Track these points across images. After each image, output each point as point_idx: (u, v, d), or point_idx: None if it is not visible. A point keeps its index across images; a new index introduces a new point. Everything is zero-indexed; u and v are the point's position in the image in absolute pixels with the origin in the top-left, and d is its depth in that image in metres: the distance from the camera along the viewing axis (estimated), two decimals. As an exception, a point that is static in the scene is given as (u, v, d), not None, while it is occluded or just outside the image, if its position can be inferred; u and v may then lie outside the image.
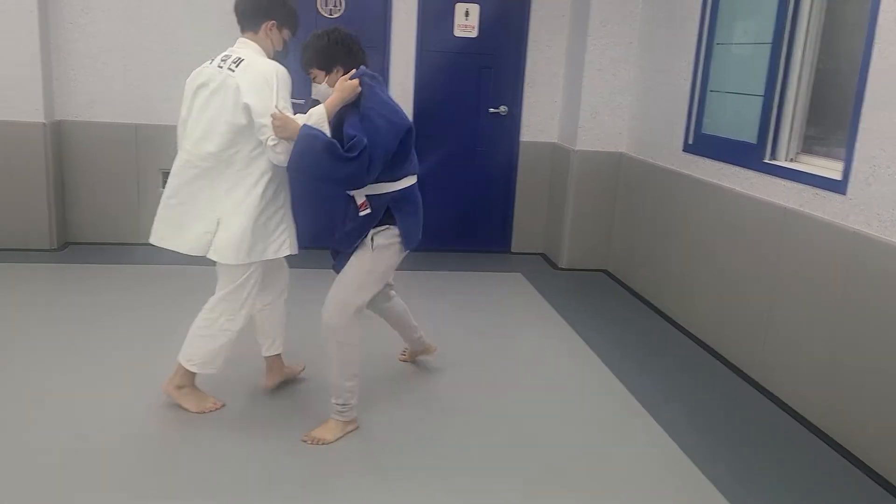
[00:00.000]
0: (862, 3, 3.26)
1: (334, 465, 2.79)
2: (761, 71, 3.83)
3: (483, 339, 4.12)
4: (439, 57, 5.61)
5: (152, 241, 2.96)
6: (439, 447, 2.92)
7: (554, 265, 5.71)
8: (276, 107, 2.67)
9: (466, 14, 5.58)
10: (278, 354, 3.24)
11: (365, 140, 2.61)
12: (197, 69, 2.92)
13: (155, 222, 2.96)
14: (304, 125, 2.65)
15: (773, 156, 3.81)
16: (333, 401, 2.93)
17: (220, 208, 2.81)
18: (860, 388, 3.03)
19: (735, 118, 4.15)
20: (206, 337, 2.95)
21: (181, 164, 2.88)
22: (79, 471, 2.62)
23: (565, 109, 5.72)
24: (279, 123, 2.65)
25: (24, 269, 4.79)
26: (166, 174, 5.36)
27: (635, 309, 4.83)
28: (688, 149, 4.56)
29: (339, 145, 2.62)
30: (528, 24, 5.65)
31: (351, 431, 2.97)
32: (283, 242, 2.93)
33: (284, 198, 2.94)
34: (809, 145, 3.72)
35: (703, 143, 4.43)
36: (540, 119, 5.84)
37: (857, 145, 3.13)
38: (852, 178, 3.17)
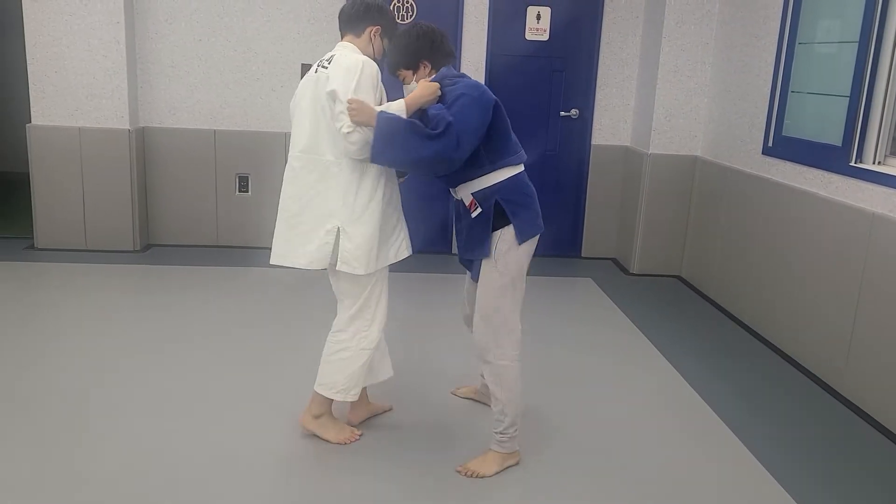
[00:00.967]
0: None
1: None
2: (847, 71, 3.69)
3: (553, 345, 4.08)
4: (510, 60, 5.60)
5: (272, 260, 2.81)
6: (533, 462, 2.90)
7: (625, 270, 5.62)
8: (352, 93, 2.56)
9: (538, 17, 5.55)
10: (364, 389, 3.03)
11: (449, 117, 2.47)
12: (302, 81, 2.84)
13: (273, 240, 2.83)
14: (381, 111, 2.53)
15: (860, 159, 3.65)
16: (493, 430, 2.74)
17: (339, 216, 2.67)
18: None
19: (818, 120, 4.00)
20: (344, 360, 2.81)
21: (291, 174, 2.75)
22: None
23: (638, 112, 5.62)
24: (355, 106, 2.50)
25: (110, 270, 5.00)
26: (243, 178, 5.59)
27: (710, 316, 4.71)
28: (767, 152, 4.42)
29: (422, 124, 2.49)
30: (600, 26, 5.59)
31: (511, 466, 2.77)
32: (401, 244, 2.84)
33: (397, 198, 2.84)
34: (899, 148, 3.56)
35: (783, 146, 4.28)
36: (612, 122, 5.76)
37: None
38: (947, 183, 3.01)
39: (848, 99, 3.68)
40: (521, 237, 2.63)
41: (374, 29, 2.77)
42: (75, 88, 5.20)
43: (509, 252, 2.64)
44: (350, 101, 2.52)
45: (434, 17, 5.46)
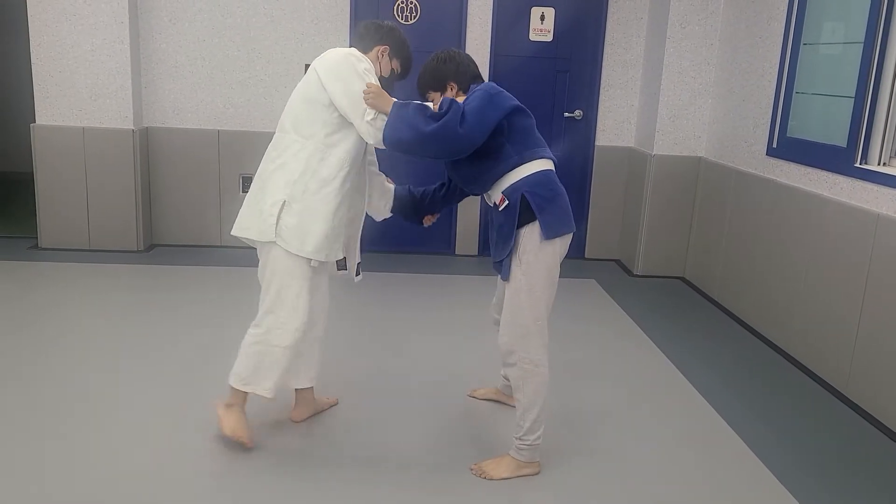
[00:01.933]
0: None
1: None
2: (852, 71, 3.67)
3: (556, 347, 4.06)
4: (514, 61, 5.59)
5: (232, 231, 2.81)
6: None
7: (628, 272, 5.61)
8: (364, 79, 2.62)
9: (542, 18, 5.55)
10: (310, 388, 3.06)
11: (455, 101, 2.53)
12: None
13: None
14: (396, 100, 2.59)
15: (865, 160, 3.64)
16: (513, 434, 2.73)
17: (288, 192, 2.67)
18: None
19: (823, 121, 3.99)
20: (255, 354, 2.79)
21: (266, 153, 2.80)
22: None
23: (642, 113, 5.62)
24: (374, 91, 2.57)
25: (113, 270, 5.00)
26: (247, 179, 5.59)
27: (714, 317, 4.69)
28: (771, 153, 4.41)
29: (430, 108, 2.56)
30: (604, 27, 5.58)
31: (528, 475, 2.72)
32: (338, 249, 2.83)
33: (359, 211, 2.89)
34: (904, 149, 3.55)
35: (788, 147, 4.27)
36: (616, 123, 5.75)
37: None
38: (952, 184, 3.00)
39: (853, 100, 3.66)
40: (547, 232, 2.59)
41: (383, 48, 2.83)
42: (79, 88, 5.21)
43: (534, 252, 2.61)
44: (369, 86, 2.59)
45: (438, 18, 5.46)
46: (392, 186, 3.08)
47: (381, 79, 2.78)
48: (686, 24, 5.16)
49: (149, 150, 5.52)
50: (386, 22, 2.87)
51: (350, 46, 2.86)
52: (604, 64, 5.64)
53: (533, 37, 5.58)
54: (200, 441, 2.88)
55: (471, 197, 3.07)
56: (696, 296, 5.12)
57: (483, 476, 2.70)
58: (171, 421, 3.03)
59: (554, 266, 2.66)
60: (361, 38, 2.85)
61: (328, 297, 3.00)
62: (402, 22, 5.45)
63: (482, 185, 2.73)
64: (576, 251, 5.93)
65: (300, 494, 2.58)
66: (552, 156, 2.72)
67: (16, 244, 5.46)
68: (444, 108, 2.53)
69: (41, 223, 5.38)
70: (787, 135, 4.29)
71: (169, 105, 5.49)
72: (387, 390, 3.40)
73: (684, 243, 5.45)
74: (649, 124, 5.43)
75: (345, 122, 2.67)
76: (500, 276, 2.82)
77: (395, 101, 2.59)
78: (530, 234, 2.61)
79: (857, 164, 3.64)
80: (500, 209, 2.65)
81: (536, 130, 2.69)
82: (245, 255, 5.45)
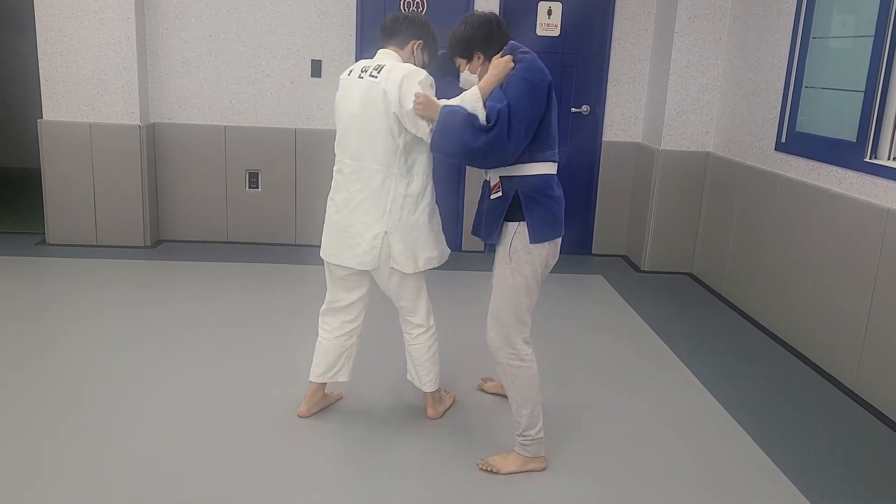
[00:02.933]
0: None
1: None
2: (862, 65, 3.64)
3: (563, 343, 4.05)
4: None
5: (322, 255, 2.93)
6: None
7: (636, 267, 5.59)
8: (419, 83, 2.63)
9: (549, 13, 5.52)
10: (324, 384, 3.11)
11: (499, 106, 2.46)
12: (342, 82, 2.84)
13: (323, 237, 2.93)
14: (444, 105, 2.57)
15: (875, 154, 3.61)
16: (515, 433, 2.74)
17: (386, 223, 2.75)
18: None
19: (832, 115, 3.96)
20: (436, 354, 3.05)
21: (342, 179, 2.82)
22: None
23: (650, 108, 5.59)
24: (421, 101, 2.56)
25: (120, 266, 5.01)
26: (252, 174, 5.59)
27: (722, 313, 4.67)
28: (780, 147, 4.38)
29: (477, 117, 2.50)
30: (612, 22, 5.55)
31: (535, 470, 2.73)
32: (444, 249, 2.97)
33: (435, 206, 2.95)
34: (915, 143, 3.52)
35: (797, 142, 4.24)
36: (623, 118, 5.73)
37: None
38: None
39: (863, 94, 3.63)
40: (533, 236, 2.59)
41: (417, 43, 2.83)
42: (86, 84, 5.21)
43: (523, 252, 2.61)
44: (417, 96, 2.58)
45: (444, 12, 5.44)
46: None
47: None
48: (694, 17, 5.12)
49: (155, 145, 5.52)
50: (414, 14, 2.87)
51: (382, 41, 2.83)
52: (611, 59, 5.61)
53: (540, 31, 5.56)
54: (203, 435, 2.89)
55: (478, 192, 3.05)
56: (704, 292, 5.09)
57: (491, 471, 2.70)
58: (178, 414, 3.03)
59: (540, 267, 2.66)
60: (393, 33, 2.82)
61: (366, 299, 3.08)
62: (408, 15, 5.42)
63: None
64: (583, 247, 5.92)
65: (309, 488, 2.57)
66: (556, 157, 2.67)
67: (23, 240, 5.48)
68: (493, 119, 2.46)
69: (48, 219, 5.40)
70: (796, 129, 4.26)
71: (175, 101, 5.49)
72: (392, 384, 3.40)
73: (692, 239, 5.43)
74: (657, 119, 5.40)
75: (413, 139, 2.70)
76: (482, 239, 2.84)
77: (441, 108, 2.55)
78: (520, 234, 2.61)
79: (867, 159, 3.61)
80: (491, 196, 2.67)
81: (555, 120, 2.64)
82: (251, 251, 5.46)
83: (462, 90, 2.69)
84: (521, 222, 2.60)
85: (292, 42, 5.45)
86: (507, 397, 3.27)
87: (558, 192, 2.66)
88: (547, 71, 2.60)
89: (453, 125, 2.51)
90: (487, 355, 3.65)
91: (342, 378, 3.07)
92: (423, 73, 2.70)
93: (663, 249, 5.46)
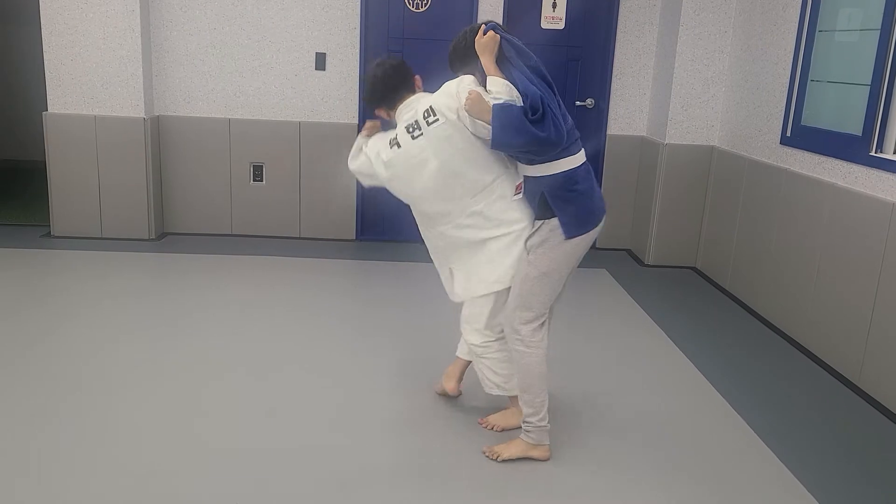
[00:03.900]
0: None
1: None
2: (868, 59, 3.63)
3: (567, 336, 4.05)
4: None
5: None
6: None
7: (640, 261, 5.58)
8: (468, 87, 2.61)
9: (554, 5, 5.50)
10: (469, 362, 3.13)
11: (530, 94, 2.49)
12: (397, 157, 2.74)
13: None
14: (495, 103, 2.52)
15: (880, 148, 3.60)
16: (522, 419, 2.77)
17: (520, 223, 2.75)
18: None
19: (838, 109, 3.95)
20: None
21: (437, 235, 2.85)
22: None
23: (655, 102, 5.57)
24: (473, 97, 2.52)
25: (125, 258, 5.02)
26: (257, 167, 5.60)
27: (726, 308, 4.67)
28: (785, 141, 4.37)
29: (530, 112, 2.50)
30: (616, 15, 5.53)
31: (538, 458, 2.75)
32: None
33: None
34: (921, 137, 3.51)
35: (802, 136, 4.23)
36: (628, 112, 5.71)
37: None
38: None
39: (868, 88, 3.62)
40: (567, 232, 2.62)
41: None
42: (91, 76, 5.22)
43: (543, 245, 2.64)
44: (470, 93, 2.54)
45: (449, 6, 5.43)
46: None
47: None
48: (700, 11, 5.10)
49: (160, 138, 5.53)
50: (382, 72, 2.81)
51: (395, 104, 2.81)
52: (616, 52, 5.59)
53: (545, 24, 5.54)
54: (205, 426, 2.90)
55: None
56: (708, 286, 5.09)
57: (494, 457, 2.75)
58: (183, 405, 3.04)
59: (564, 263, 2.67)
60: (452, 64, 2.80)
61: None
62: (413, 10, 5.43)
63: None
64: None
65: (310, 481, 2.59)
66: (578, 149, 2.64)
67: (28, 232, 5.49)
68: (535, 106, 2.46)
69: (53, 211, 5.41)
70: (802, 123, 4.24)
71: (180, 93, 5.49)
72: (396, 378, 3.40)
73: (696, 233, 5.42)
74: (662, 113, 5.39)
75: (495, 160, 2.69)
76: None
77: (493, 105, 2.51)
78: (542, 230, 2.64)
79: (872, 153, 3.60)
80: (513, 196, 2.71)
81: (561, 108, 2.61)
82: (255, 244, 5.47)
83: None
84: (545, 220, 2.64)
85: (297, 35, 5.44)
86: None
87: (584, 184, 2.64)
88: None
89: (512, 117, 2.48)
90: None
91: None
92: (468, 78, 2.67)
93: (667, 243, 5.45)
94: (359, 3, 5.39)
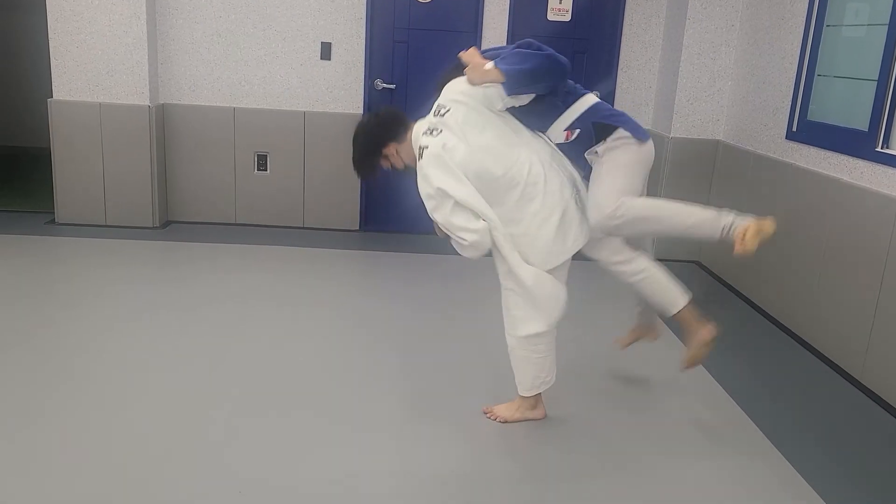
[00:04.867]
0: None
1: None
2: (876, 54, 3.61)
3: (568, 330, 4.04)
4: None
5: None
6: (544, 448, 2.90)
7: (644, 255, 5.57)
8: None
9: (560, -3, 5.49)
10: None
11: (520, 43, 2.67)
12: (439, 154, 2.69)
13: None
14: (492, 61, 2.61)
15: (887, 144, 3.58)
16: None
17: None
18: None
19: (845, 104, 3.93)
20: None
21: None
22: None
23: (660, 95, 5.56)
24: (471, 67, 2.63)
25: (129, 246, 5.03)
26: (261, 157, 5.59)
27: (730, 302, 4.66)
28: (791, 136, 4.35)
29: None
30: (623, 7, 5.51)
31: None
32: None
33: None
34: (928, 133, 3.49)
35: (808, 131, 4.22)
36: (634, 105, 5.69)
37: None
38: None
39: (876, 83, 3.60)
40: (636, 134, 2.70)
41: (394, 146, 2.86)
42: (96, 63, 5.21)
43: (618, 147, 2.69)
44: (466, 71, 2.64)
45: (451, 6, 5.41)
46: None
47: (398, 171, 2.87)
48: (707, 4, 5.08)
49: (165, 126, 5.53)
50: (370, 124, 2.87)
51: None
52: (622, 45, 5.58)
53: (551, 16, 5.52)
54: (209, 416, 2.91)
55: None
56: (712, 280, 5.08)
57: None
58: (188, 392, 3.05)
59: (640, 160, 2.73)
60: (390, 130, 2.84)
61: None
62: (419, 0, 5.40)
63: (541, 125, 2.80)
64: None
65: (323, 473, 2.60)
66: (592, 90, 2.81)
67: (33, 219, 5.50)
68: (530, 43, 2.64)
69: (58, 199, 5.42)
70: (808, 118, 4.23)
71: (185, 82, 5.49)
72: (400, 372, 3.41)
73: (700, 227, 5.40)
74: (667, 106, 5.38)
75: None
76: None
77: (495, 61, 2.59)
78: (610, 141, 2.70)
79: (879, 149, 3.59)
80: (569, 141, 2.74)
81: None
82: (259, 233, 5.47)
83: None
84: (608, 137, 2.70)
85: (302, 24, 5.43)
86: (645, 338, 3.42)
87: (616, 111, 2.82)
88: None
89: (514, 56, 2.59)
90: (496, 343, 3.66)
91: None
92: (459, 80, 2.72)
93: (671, 238, 5.43)
94: (364, -8, 5.38)
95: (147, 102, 5.29)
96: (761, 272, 4.54)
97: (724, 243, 2.68)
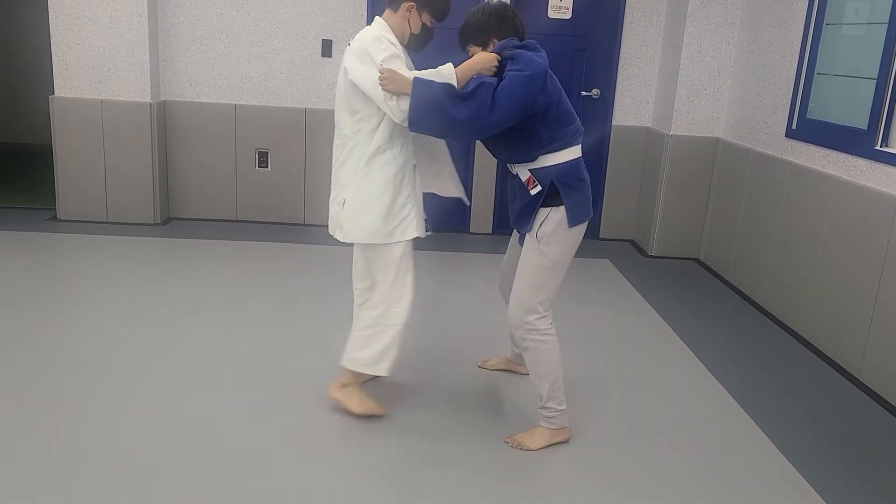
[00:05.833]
0: None
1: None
2: (875, 52, 3.62)
3: (569, 327, 4.07)
4: (532, 39, 5.53)
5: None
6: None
7: (643, 252, 5.59)
8: (380, 63, 2.55)
9: (561, -5, 5.49)
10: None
11: (485, 80, 2.47)
12: None
13: None
14: (416, 77, 2.50)
15: (886, 142, 3.60)
16: (538, 406, 2.79)
17: (350, 188, 2.76)
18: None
19: (844, 102, 3.94)
20: (372, 336, 2.85)
21: (334, 151, 2.85)
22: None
23: (661, 93, 5.57)
24: (386, 76, 2.49)
25: (130, 242, 5.04)
26: (262, 154, 5.60)
27: (729, 300, 4.68)
28: (791, 134, 4.37)
29: (455, 87, 2.49)
30: (623, 5, 5.52)
31: (561, 442, 2.81)
32: (410, 224, 2.80)
33: (411, 178, 2.82)
34: (926, 132, 3.51)
35: (807, 129, 4.23)
36: (634, 103, 5.71)
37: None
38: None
39: (875, 81, 3.61)
40: (572, 220, 2.65)
41: (409, 5, 2.74)
42: (97, 60, 5.22)
43: (554, 234, 2.65)
44: (381, 71, 2.53)
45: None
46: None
47: (413, 36, 2.76)
48: (707, 2, 5.09)
49: (166, 123, 5.54)
50: None
51: (385, 9, 2.79)
52: (622, 42, 5.58)
53: (552, 14, 5.53)
54: (215, 410, 2.92)
55: (486, 174, 3.07)
56: (711, 277, 5.10)
57: (520, 447, 2.77)
58: (189, 389, 3.07)
59: (571, 251, 2.72)
60: None
61: None
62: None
63: (510, 158, 2.73)
64: (590, 231, 5.88)
65: (326, 470, 2.61)
66: (580, 138, 2.72)
67: (34, 216, 5.52)
68: (472, 87, 2.46)
69: (59, 195, 5.43)
70: (808, 116, 4.24)
71: (186, 79, 5.50)
72: (402, 366, 3.42)
73: (700, 225, 5.43)
74: (667, 104, 5.39)
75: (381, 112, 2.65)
76: (517, 242, 2.91)
77: (413, 79, 2.49)
78: (550, 219, 2.65)
79: (878, 147, 3.60)
80: (531, 192, 2.66)
81: (567, 102, 2.67)
82: (260, 230, 5.49)
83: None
84: (553, 207, 2.64)
85: (303, 21, 5.44)
86: (509, 371, 3.37)
87: (586, 174, 2.72)
88: (544, 58, 2.60)
89: (431, 96, 2.46)
90: (491, 337, 3.69)
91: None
92: (384, 43, 2.61)
93: (671, 235, 5.46)
94: (366, -11, 5.39)
95: (148, 99, 5.30)
96: (760, 270, 4.55)
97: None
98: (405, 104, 2.51)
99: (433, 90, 2.47)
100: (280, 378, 3.23)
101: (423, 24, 2.79)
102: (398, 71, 2.53)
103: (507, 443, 2.79)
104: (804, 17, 4.27)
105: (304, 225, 5.70)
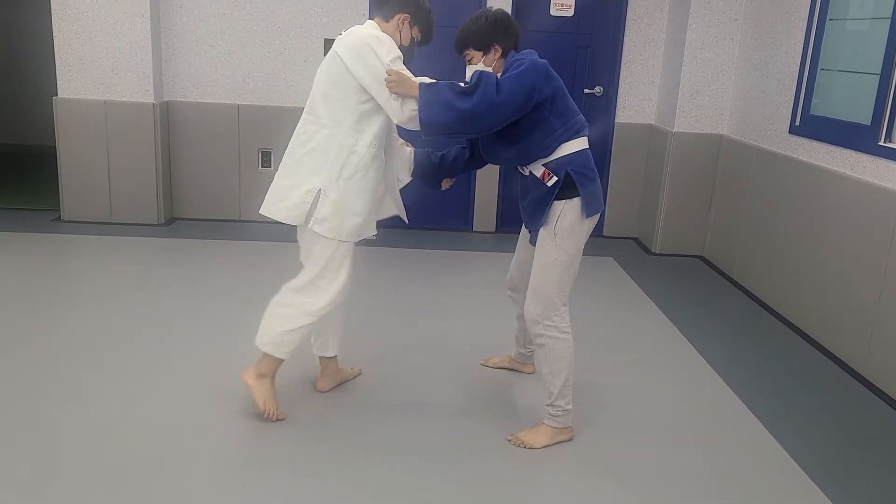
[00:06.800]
0: None
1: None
2: (879, 48, 3.61)
3: (575, 324, 4.06)
4: (534, 36, 5.52)
5: (260, 210, 2.85)
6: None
7: (647, 250, 5.58)
8: (387, 64, 2.57)
9: (563, -8, 5.48)
10: (334, 357, 3.11)
11: (485, 71, 2.55)
12: None
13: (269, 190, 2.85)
14: (422, 82, 2.55)
15: (889, 138, 3.58)
16: (546, 404, 2.78)
17: (322, 179, 2.69)
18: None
19: (848, 98, 3.93)
20: (284, 317, 2.80)
21: (296, 130, 2.82)
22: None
23: (664, 90, 5.56)
24: (395, 78, 2.52)
25: (134, 243, 5.05)
26: (265, 154, 5.61)
27: (733, 297, 4.67)
28: (794, 131, 4.35)
29: (458, 84, 2.54)
30: (626, 2, 5.51)
31: (564, 441, 2.80)
32: (374, 223, 2.85)
33: (385, 177, 2.86)
34: (930, 127, 3.49)
35: (811, 125, 4.21)
36: (637, 100, 5.70)
37: None
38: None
39: (878, 77, 3.60)
40: (588, 210, 2.65)
41: (403, 17, 2.75)
42: (101, 61, 5.23)
43: (571, 228, 2.66)
44: (389, 73, 2.55)
45: (454, 4, 5.41)
46: (410, 150, 3.04)
47: (401, 48, 2.73)
48: (710, -1, 5.08)
49: (169, 123, 5.55)
50: None
51: (370, 15, 2.80)
52: (625, 39, 5.58)
53: (554, 11, 5.53)
54: (218, 412, 2.93)
55: (489, 173, 3.07)
56: (715, 275, 5.09)
57: (523, 446, 2.76)
58: (192, 390, 3.08)
59: (584, 242, 2.73)
60: (381, 3, 2.78)
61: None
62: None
63: (525, 160, 2.72)
64: (594, 228, 5.87)
65: (326, 465, 2.62)
66: (587, 130, 2.75)
67: (39, 216, 5.53)
68: (475, 80, 2.51)
69: (63, 196, 5.45)
70: (811, 112, 4.23)
71: (189, 79, 5.51)
72: (407, 363, 3.43)
73: (704, 222, 5.42)
74: (670, 101, 5.38)
75: (374, 106, 2.65)
76: (527, 241, 2.91)
77: (420, 83, 2.53)
78: (566, 213, 2.65)
79: (881, 143, 3.59)
80: (545, 183, 2.65)
81: (570, 100, 2.70)
82: (265, 230, 5.49)
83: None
84: (568, 200, 2.64)
85: (305, 21, 5.44)
86: (512, 370, 3.37)
87: (594, 167, 2.76)
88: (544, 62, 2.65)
89: (438, 95, 2.51)
90: (494, 335, 3.68)
91: (328, 353, 3.09)
92: (387, 42, 2.62)
93: (675, 232, 5.45)
94: (367, -11, 5.39)
95: (151, 100, 5.31)
96: (764, 267, 4.54)
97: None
98: (409, 107, 2.56)
99: (439, 88, 2.53)
100: (284, 377, 3.23)
101: (412, 39, 2.80)
102: (406, 74, 2.56)
103: (510, 441, 2.79)
104: (807, 13, 4.26)
105: (308, 224, 5.69)
